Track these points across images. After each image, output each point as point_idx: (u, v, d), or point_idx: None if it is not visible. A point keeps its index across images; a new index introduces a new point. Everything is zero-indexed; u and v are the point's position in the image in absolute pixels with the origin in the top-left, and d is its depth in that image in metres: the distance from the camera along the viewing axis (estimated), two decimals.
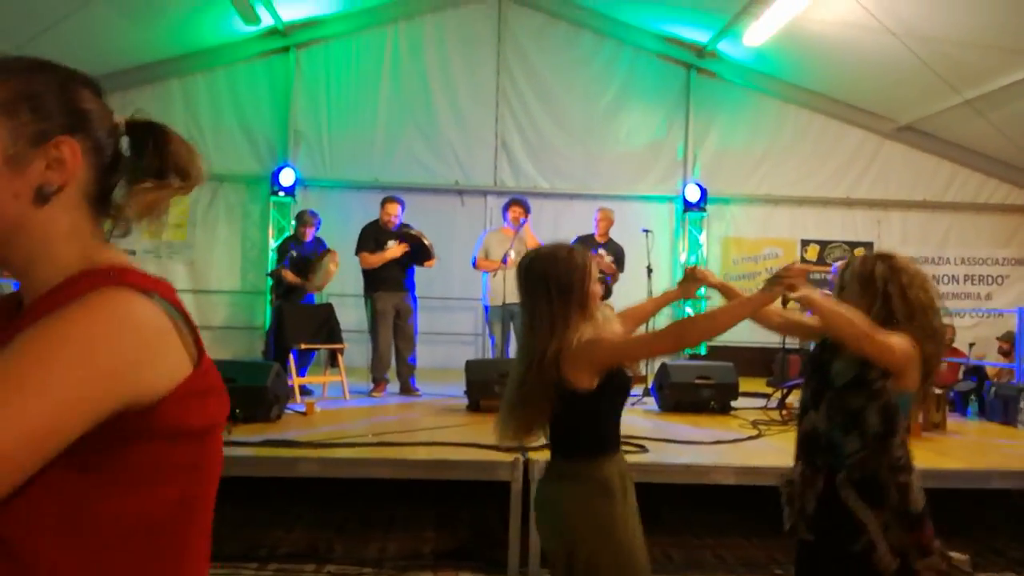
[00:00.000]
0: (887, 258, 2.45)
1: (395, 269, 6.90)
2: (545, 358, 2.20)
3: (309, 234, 7.40)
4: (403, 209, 7.09)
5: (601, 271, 7.19)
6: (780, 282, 2.24)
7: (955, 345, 8.95)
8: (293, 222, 8.05)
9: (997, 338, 9.46)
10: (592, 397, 2.23)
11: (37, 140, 0.95)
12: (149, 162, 1.03)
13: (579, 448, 2.29)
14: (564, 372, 2.20)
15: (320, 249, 7.35)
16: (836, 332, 2.34)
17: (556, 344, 2.20)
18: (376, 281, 6.93)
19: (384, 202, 7.08)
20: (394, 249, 6.86)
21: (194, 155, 1.07)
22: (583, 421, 2.27)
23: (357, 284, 9.03)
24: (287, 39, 9.83)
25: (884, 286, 2.37)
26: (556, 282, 2.26)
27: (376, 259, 6.88)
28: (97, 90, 1.04)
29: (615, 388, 2.30)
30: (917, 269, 2.43)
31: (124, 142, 1.04)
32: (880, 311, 2.36)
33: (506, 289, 6.60)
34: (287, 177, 9.57)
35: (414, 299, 7.07)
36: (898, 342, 2.27)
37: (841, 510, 2.32)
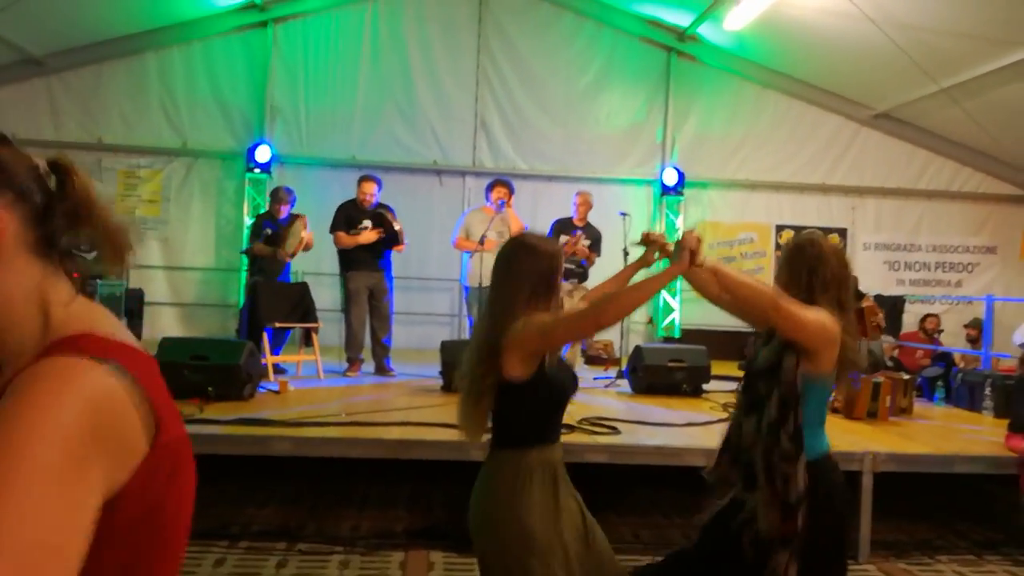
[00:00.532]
0: (813, 241, 2.50)
1: (368, 249, 6.87)
2: (497, 347, 2.20)
3: (283, 211, 7.33)
4: (380, 188, 7.05)
5: (574, 255, 7.24)
6: (683, 252, 2.25)
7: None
8: (268, 199, 7.98)
9: (964, 325, 9.62)
10: (525, 388, 2.22)
11: None
12: (73, 200, 0.98)
13: (508, 438, 2.29)
14: (502, 360, 2.20)
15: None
16: (744, 302, 2.38)
17: (506, 335, 2.19)
18: (351, 260, 6.91)
19: (360, 181, 7.03)
20: (368, 234, 6.82)
21: (95, 202, 1.00)
22: (513, 411, 2.27)
23: (332, 263, 8.97)
24: (265, 13, 9.71)
25: (808, 263, 2.42)
26: (525, 274, 2.25)
27: (349, 240, 6.85)
28: (7, 141, 0.97)
29: (550, 384, 2.28)
30: (836, 247, 2.51)
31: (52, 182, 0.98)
32: (804, 287, 2.40)
33: (483, 270, 6.59)
34: (263, 154, 9.48)
35: (390, 279, 7.04)
36: (812, 316, 2.30)
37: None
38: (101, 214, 1.00)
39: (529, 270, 2.26)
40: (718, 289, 2.50)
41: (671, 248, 2.40)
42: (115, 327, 0.96)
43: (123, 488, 0.85)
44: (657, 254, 2.49)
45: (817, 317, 2.30)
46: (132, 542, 0.89)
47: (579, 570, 2.21)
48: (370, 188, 6.95)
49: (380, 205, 6.99)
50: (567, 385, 2.39)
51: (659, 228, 10.21)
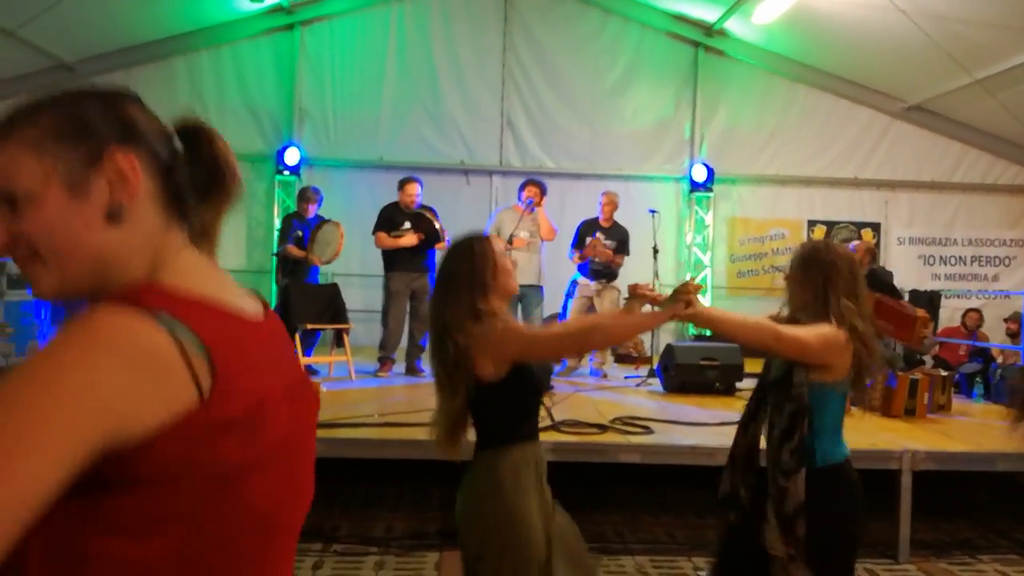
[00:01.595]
0: (828, 246, 2.52)
1: (412, 250, 6.91)
2: (458, 349, 2.24)
3: (311, 210, 7.38)
4: (422, 188, 7.10)
5: (595, 258, 7.21)
6: (680, 298, 2.31)
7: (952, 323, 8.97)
8: (296, 200, 8.04)
9: (1004, 319, 9.45)
10: (498, 387, 2.26)
11: (92, 160, 0.91)
12: (203, 163, 1.02)
13: (485, 438, 2.34)
14: (473, 361, 2.24)
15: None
16: (746, 342, 2.39)
17: (465, 335, 2.24)
18: (393, 261, 6.97)
19: (405, 183, 7.06)
20: (408, 238, 6.86)
21: (233, 158, 1.06)
22: (488, 412, 2.31)
23: (363, 264, 9.04)
24: (292, 16, 9.76)
25: (823, 269, 2.42)
26: (465, 276, 2.31)
27: (390, 242, 6.91)
28: (140, 102, 1.00)
29: (525, 385, 2.33)
30: (849, 253, 2.52)
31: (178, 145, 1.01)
32: (820, 292, 2.41)
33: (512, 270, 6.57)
34: (292, 156, 9.55)
35: (432, 280, 7.04)
36: (813, 334, 2.32)
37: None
38: (229, 178, 1.04)
39: (459, 270, 2.33)
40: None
41: (662, 298, 2.44)
42: (210, 285, 0.95)
43: (162, 431, 0.81)
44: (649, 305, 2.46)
45: (818, 333, 2.33)
46: (193, 517, 0.85)
47: (564, 563, 2.29)
48: (414, 189, 7.01)
49: (423, 206, 7.03)
50: (543, 381, 2.46)
51: (689, 224, 10.15)
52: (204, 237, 1.03)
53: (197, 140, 1.02)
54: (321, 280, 7.81)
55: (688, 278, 2.18)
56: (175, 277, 0.93)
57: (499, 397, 2.28)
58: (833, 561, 2.33)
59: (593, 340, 2.28)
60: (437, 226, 6.85)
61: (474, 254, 2.34)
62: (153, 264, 0.94)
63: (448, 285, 2.34)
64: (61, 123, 0.91)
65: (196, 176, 1.01)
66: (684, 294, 2.32)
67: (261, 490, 0.91)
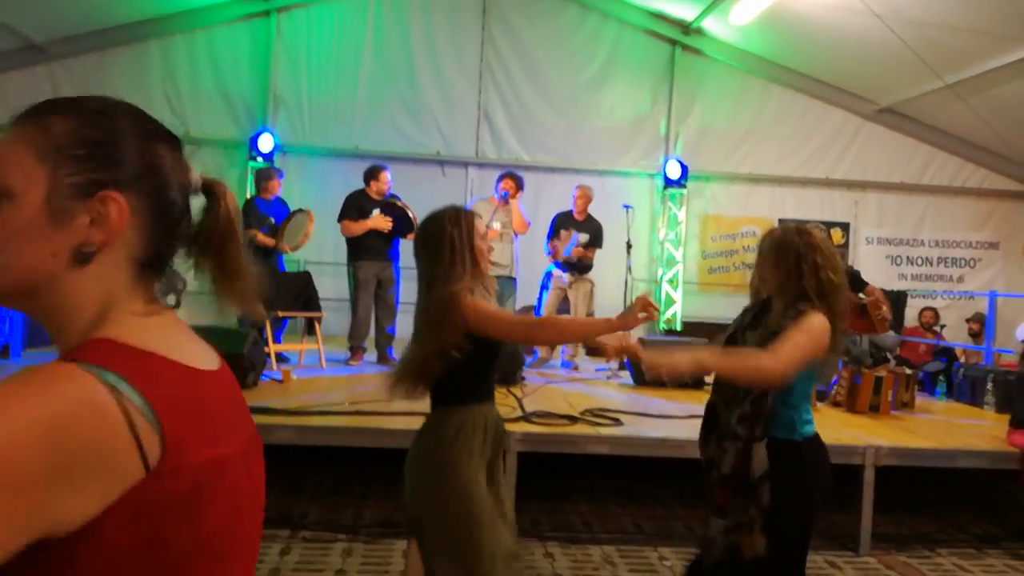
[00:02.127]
0: (804, 233, 2.49)
1: (379, 239, 6.87)
2: (445, 300, 2.38)
3: (275, 189, 7.26)
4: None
5: (578, 259, 7.27)
6: (634, 310, 2.35)
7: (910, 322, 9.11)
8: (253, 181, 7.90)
9: (967, 319, 9.63)
10: (464, 352, 2.38)
11: (87, 191, 0.84)
12: (211, 226, 0.96)
13: (440, 398, 2.48)
14: (445, 330, 2.37)
15: (287, 210, 7.24)
16: (748, 383, 2.36)
17: (442, 299, 2.39)
18: (359, 250, 6.91)
19: (378, 172, 7.01)
20: (377, 220, 6.81)
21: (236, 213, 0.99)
22: (453, 372, 2.40)
23: (335, 252, 8.98)
24: (268, 3, 9.65)
25: (798, 261, 2.42)
26: (446, 243, 2.45)
27: (357, 227, 6.85)
28: (178, 144, 0.94)
29: (485, 347, 2.44)
30: (832, 249, 2.49)
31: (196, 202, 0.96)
32: (793, 286, 2.42)
33: None
34: (266, 143, 9.46)
35: (397, 270, 7.04)
36: (803, 343, 2.29)
37: None
38: (233, 252, 0.97)
39: (443, 242, 2.46)
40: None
41: (655, 317, 2.47)
42: (171, 346, 0.87)
43: (105, 513, 0.74)
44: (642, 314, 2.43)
45: (808, 339, 2.30)
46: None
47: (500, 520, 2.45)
48: (387, 178, 6.99)
49: (392, 195, 7.01)
50: (497, 348, 2.54)
51: (662, 221, 10.20)
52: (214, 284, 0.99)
53: (214, 195, 0.97)
54: (288, 268, 7.75)
55: (644, 293, 2.18)
56: (121, 330, 0.85)
57: (462, 360, 2.38)
58: (790, 535, 2.36)
59: (544, 334, 2.44)
60: (411, 215, 6.82)
61: (466, 222, 2.51)
62: (100, 315, 0.86)
63: (439, 244, 2.46)
64: (83, 139, 0.86)
65: (207, 231, 0.96)
66: (640, 308, 2.35)
67: (195, 548, 0.83)
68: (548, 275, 7.63)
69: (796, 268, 2.41)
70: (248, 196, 8.32)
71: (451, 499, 2.36)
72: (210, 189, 0.97)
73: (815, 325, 2.33)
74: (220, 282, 0.98)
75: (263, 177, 7.39)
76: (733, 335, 2.58)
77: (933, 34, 7.88)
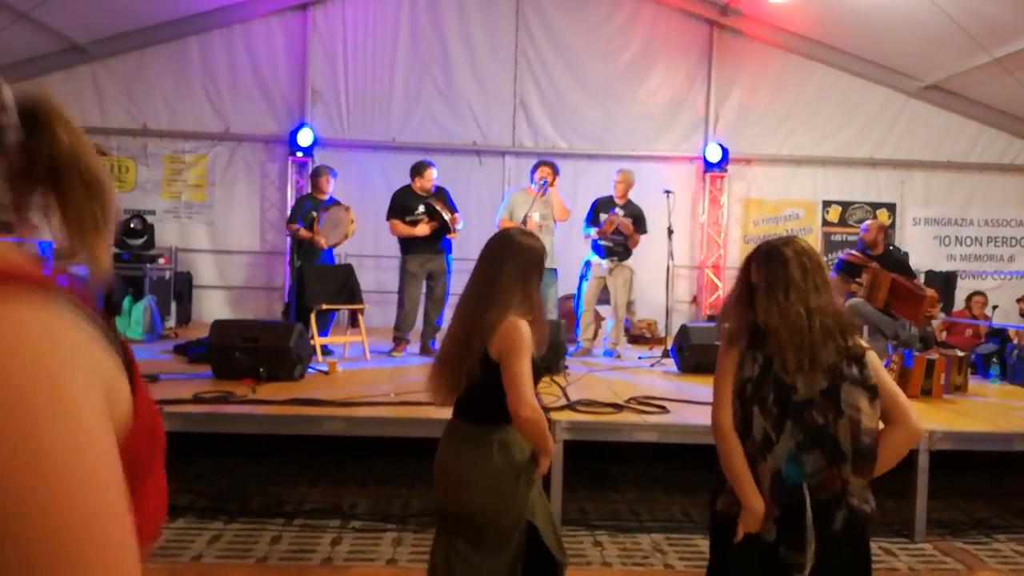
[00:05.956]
0: (782, 238, 2.52)
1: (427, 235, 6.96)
2: (487, 327, 2.41)
3: (328, 185, 7.42)
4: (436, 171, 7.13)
5: (618, 232, 7.20)
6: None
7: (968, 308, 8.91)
8: (309, 181, 8.05)
9: (1018, 300, 9.39)
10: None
11: None
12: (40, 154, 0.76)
13: (489, 415, 2.47)
14: (493, 343, 2.40)
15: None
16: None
17: (499, 318, 2.41)
18: (408, 243, 7.00)
19: (424, 168, 7.04)
20: (422, 227, 6.91)
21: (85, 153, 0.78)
22: (498, 391, 2.39)
23: (376, 246, 9.07)
24: None
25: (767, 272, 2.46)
26: (519, 266, 2.50)
27: (404, 230, 6.94)
28: None
29: (533, 367, 2.45)
30: (807, 248, 2.44)
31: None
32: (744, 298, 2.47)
33: None
34: (305, 137, 9.54)
35: (448, 262, 7.09)
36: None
37: None
38: (75, 185, 0.77)
39: (517, 264, 2.51)
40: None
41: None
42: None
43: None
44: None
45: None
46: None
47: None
48: (433, 175, 7.05)
49: (438, 189, 7.05)
50: (540, 369, 2.56)
51: (703, 205, 10.09)
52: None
53: (35, 125, 0.77)
54: (336, 261, 7.83)
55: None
56: None
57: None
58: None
59: (526, 425, 2.40)
60: (447, 217, 6.85)
61: (533, 251, 2.57)
62: None
63: (503, 266, 2.50)
64: None
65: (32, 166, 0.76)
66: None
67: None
68: (587, 265, 7.59)
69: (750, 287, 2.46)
70: (300, 194, 8.44)
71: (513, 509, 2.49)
72: (33, 112, 0.78)
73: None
74: (66, 232, 0.75)
75: (318, 174, 7.57)
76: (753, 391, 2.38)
77: (978, 7, 7.67)
